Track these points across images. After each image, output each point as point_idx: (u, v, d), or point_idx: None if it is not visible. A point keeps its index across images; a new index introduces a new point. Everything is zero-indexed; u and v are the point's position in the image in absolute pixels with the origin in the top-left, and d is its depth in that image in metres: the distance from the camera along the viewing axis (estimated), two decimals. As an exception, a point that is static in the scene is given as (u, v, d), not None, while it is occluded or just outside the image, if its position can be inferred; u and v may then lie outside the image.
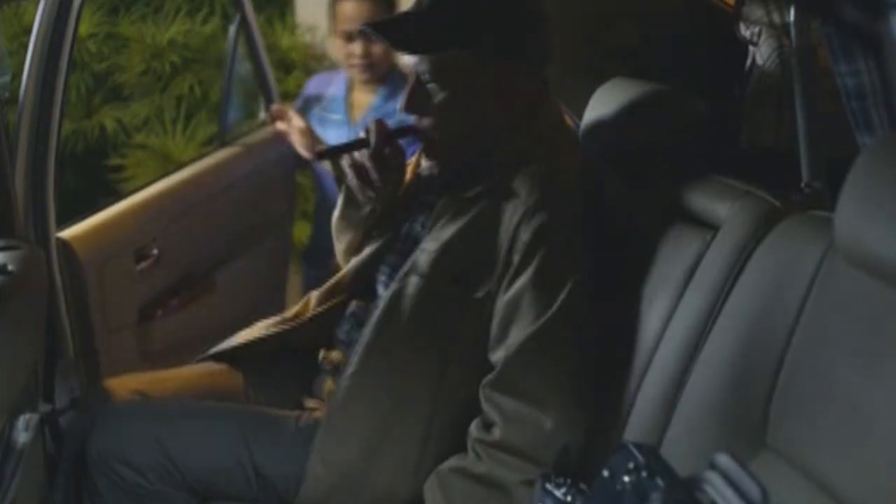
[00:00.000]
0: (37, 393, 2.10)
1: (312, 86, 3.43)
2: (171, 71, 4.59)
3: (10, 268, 1.84)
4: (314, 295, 2.03)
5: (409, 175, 2.01)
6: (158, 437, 1.83)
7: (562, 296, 1.69)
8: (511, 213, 1.74)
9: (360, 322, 1.90)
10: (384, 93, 3.15)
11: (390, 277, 1.87)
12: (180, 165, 3.26)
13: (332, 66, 4.82)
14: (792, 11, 1.81)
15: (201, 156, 3.31)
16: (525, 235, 1.71)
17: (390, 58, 3.11)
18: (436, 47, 1.76)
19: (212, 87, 4.62)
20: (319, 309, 2.00)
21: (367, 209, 1.97)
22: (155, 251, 2.72)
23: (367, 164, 1.87)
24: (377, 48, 3.06)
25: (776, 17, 1.97)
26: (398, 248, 1.92)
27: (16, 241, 2.04)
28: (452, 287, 1.76)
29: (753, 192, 1.67)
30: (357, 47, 3.08)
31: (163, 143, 4.56)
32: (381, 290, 1.91)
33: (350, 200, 1.99)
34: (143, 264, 2.69)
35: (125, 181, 4.57)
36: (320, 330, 1.99)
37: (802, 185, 1.81)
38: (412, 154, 2.24)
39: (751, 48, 2.01)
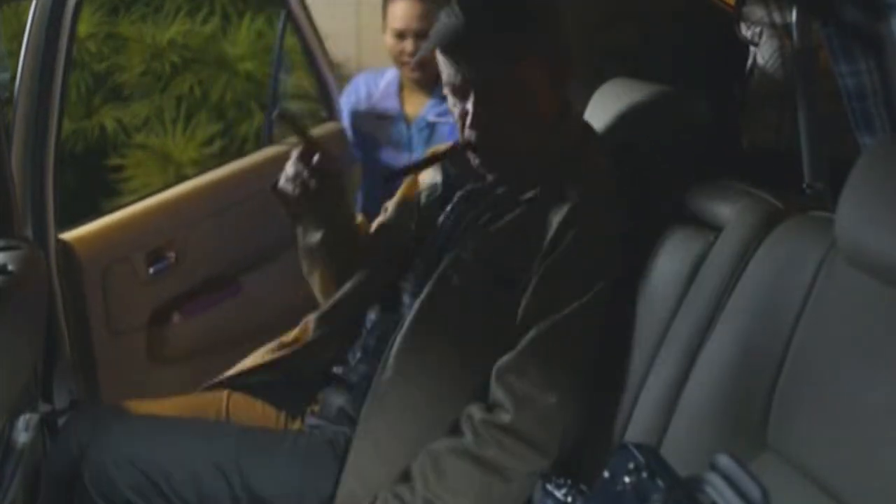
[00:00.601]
0: (37, 393, 2.10)
1: (361, 85, 3.41)
2: (171, 71, 4.59)
3: (10, 268, 1.84)
4: (311, 319, 1.97)
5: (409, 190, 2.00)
6: (149, 462, 1.78)
7: (588, 296, 1.70)
8: (555, 213, 1.74)
9: (386, 331, 1.85)
10: (440, 92, 3.14)
11: (418, 286, 1.84)
12: (219, 164, 3.15)
13: (333, 66, 4.82)
14: (793, 12, 1.81)
15: (243, 156, 3.24)
16: (568, 235, 1.72)
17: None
18: (514, 55, 1.75)
19: (212, 87, 4.63)
20: (318, 333, 1.94)
21: (318, 234, 1.93)
22: (172, 254, 2.67)
23: (298, 167, 1.83)
24: None
25: (777, 18, 1.97)
26: (423, 256, 1.89)
27: (16, 241, 2.04)
28: (494, 285, 1.75)
29: (755, 192, 1.67)
30: (408, 45, 3.10)
31: (163, 143, 4.56)
32: (406, 299, 1.87)
33: (304, 230, 1.95)
34: (157, 267, 2.64)
35: (125, 181, 4.57)
36: (320, 356, 1.94)
37: (804, 185, 1.81)
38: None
39: (751, 48, 2.01)
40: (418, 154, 3.08)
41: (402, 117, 3.26)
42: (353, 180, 3.41)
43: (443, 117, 3.18)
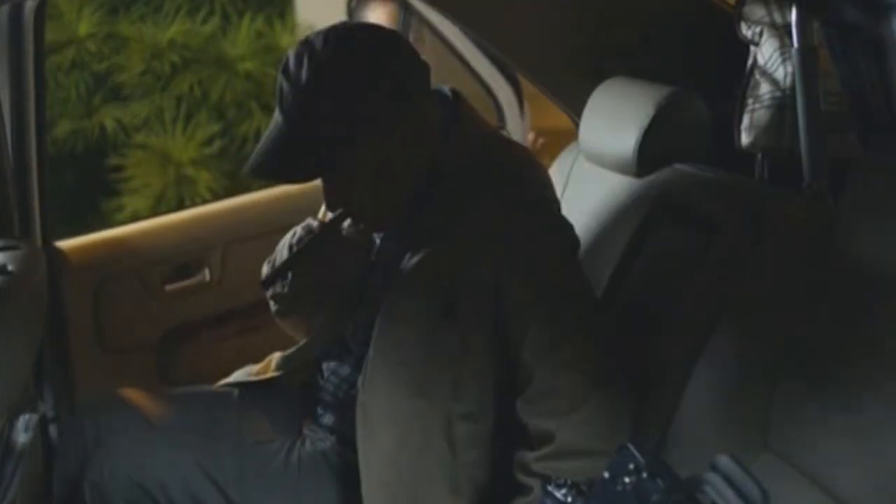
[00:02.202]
0: (37, 393, 2.10)
1: None
2: (171, 71, 4.60)
3: (10, 268, 1.84)
4: (275, 357, 1.96)
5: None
6: (145, 475, 1.79)
7: (570, 296, 1.63)
8: (482, 244, 1.61)
9: (343, 380, 1.84)
10: None
11: (363, 331, 1.76)
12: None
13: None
14: (793, 12, 1.81)
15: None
16: (510, 265, 1.60)
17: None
18: (330, 167, 1.64)
19: (212, 87, 4.64)
20: (279, 373, 1.92)
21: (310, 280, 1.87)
22: (205, 271, 2.51)
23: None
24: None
25: (777, 17, 1.97)
26: (365, 300, 1.81)
27: (15, 241, 2.04)
28: (442, 321, 1.63)
29: (754, 192, 1.67)
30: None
31: (163, 143, 4.57)
32: (354, 347, 1.82)
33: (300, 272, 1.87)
34: (178, 284, 2.49)
35: (125, 181, 4.59)
36: (286, 390, 1.93)
37: (804, 185, 1.80)
38: None
39: (751, 48, 2.01)
40: None
41: None
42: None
43: None
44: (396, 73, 1.63)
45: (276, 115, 1.64)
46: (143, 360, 2.49)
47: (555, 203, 1.74)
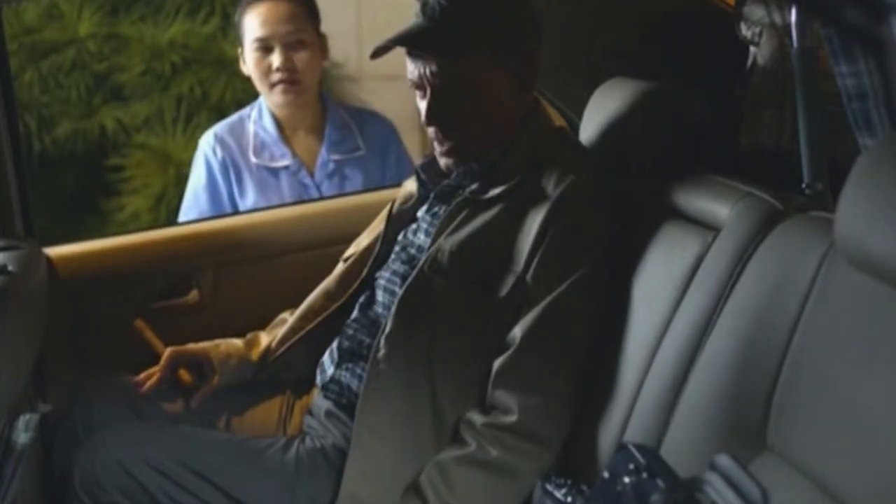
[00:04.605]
0: (37, 393, 2.10)
1: (223, 138, 2.67)
2: (171, 71, 4.61)
3: (10, 268, 1.84)
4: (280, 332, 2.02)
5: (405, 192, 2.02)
6: (136, 465, 1.79)
7: (569, 283, 1.72)
8: (536, 210, 1.76)
9: (360, 331, 1.89)
10: (336, 121, 2.66)
11: (394, 284, 1.86)
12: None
13: (332, 65, 4.81)
14: (793, 12, 1.82)
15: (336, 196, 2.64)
16: (545, 234, 1.74)
17: (317, 72, 2.64)
18: (461, 52, 1.80)
19: (212, 87, 4.64)
20: (286, 346, 1.99)
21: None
22: (195, 291, 2.36)
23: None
24: (302, 57, 2.56)
25: (777, 17, 1.97)
26: (400, 256, 1.92)
27: (16, 241, 2.04)
28: (473, 287, 1.76)
29: (754, 192, 1.67)
30: (276, 58, 2.54)
31: (163, 143, 4.58)
32: (380, 295, 1.90)
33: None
34: (164, 303, 2.35)
35: (125, 181, 4.60)
36: (293, 365, 2.00)
37: (803, 186, 1.81)
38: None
39: (751, 48, 2.01)
40: None
41: (301, 165, 2.63)
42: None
43: (350, 153, 2.66)
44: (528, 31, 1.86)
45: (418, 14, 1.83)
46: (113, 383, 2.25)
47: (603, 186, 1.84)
